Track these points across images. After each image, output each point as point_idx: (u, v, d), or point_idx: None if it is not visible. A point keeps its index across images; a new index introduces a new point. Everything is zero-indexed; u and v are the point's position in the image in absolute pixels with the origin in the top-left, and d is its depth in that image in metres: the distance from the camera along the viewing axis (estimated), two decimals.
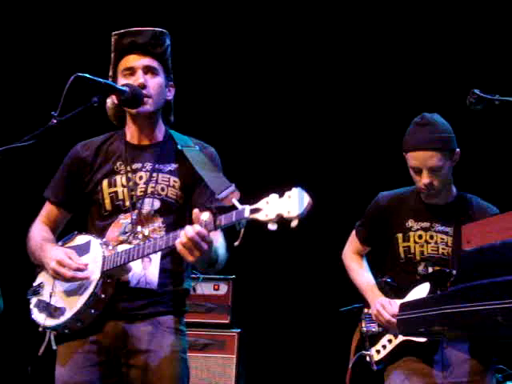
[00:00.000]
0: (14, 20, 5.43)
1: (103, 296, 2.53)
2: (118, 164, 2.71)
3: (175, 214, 2.64)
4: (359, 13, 5.34)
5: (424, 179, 3.01)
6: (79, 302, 2.53)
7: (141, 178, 2.67)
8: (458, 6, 5.11)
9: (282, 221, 2.21)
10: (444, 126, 3.07)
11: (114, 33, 2.73)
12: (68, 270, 2.52)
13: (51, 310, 2.58)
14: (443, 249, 3.07)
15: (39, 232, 2.74)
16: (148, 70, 2.69)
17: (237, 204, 2.30)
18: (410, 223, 3.13)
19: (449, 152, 3.03)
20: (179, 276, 2.67)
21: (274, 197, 2.22)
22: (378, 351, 3.10)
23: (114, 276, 2.55)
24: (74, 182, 2.75)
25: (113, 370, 2.57)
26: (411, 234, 3.11)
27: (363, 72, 5.38)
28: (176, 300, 2.65)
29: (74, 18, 5.39)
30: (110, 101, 2.76)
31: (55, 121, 2.42)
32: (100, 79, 2.55)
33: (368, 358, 3.11)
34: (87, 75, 2.49)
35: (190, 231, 2.31)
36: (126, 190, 2.65)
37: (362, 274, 3.29)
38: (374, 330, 3.16)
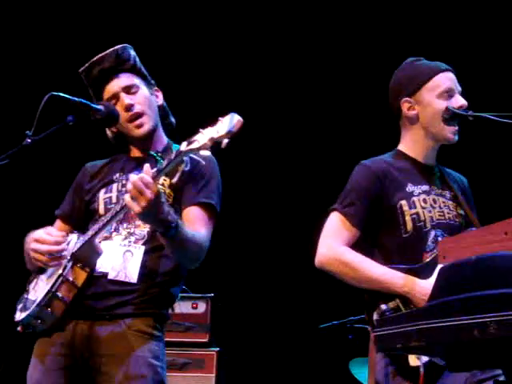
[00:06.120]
0: None
1: (71, 279, 2.48)
2: (117, 175, 2.75)
3: None
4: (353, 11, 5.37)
5: (462, 101, 2.69)
6: (47, 285, 2.50)
7: None
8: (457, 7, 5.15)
9: (215, 143, 2.26)
10: None
11: (80, 70, 2.77)
12: (43, 246, 2.50)
13: (27, 304, 2.55)
14: (448, 213, 2.70)
15: None
16: (128, 88, 2.72)
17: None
18: (411, 187, 2.68)
19: None
20: (163, 276, 2.62)
21: (208, 127, 2.30)
22: None
23: (86, 259, 2.51)
24: (77, 193, 2.79)
25: (82, 375, 2.52)
26: (415, 199, 2.66)
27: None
28: (152, 301, 2.59)
29: (52, 36, 5.38)
30: (109, 131, 2.82)
31: (29, 140, 2.42)
32: (75, 98, 2.56)
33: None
34: (62, 94, 2.50)
35: (133, 177, 2.32)
36: (119, 194, 2.67)
37: (374, 265, 2.58)
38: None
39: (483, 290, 1.95)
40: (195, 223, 2.60)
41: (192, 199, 2.65)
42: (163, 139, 2.80)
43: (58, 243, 2.51)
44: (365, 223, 2.65)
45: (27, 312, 2.51)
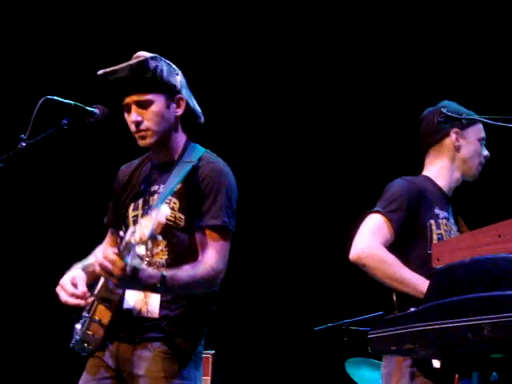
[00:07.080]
0: None
1: (97, 318, 2.55)
2: (142, 186, 2.74)
3: (177, 237, 2.62)
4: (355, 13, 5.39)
5: (488, 153, 2.98)
6: (79, 323, 2.59)
7: (153, 200, 2.66)
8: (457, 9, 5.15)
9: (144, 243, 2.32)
10: None
11: (98, 73, 2.66)
12: (64, 294, 2.55)
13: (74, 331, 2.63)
14: None
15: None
16: (140, 103, 2.64)
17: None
18: (437, 210, 2.87)
19: None
20: (185, 300, 2.62)
21: (144, 219, 2.31)
22: None
23: (108, 298, 2.56)
24: (116, 203, 2.79)
25: None
26: (440, 221, 2.85)
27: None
28: (176, 324, 2.61)
29: (47, 39, 5.38)
30: None
31: (24, 144, 2.42)
32: (69, 101, 2.55)
33: None
34: (56, 97, 2.49)
35: (99, 256, 2.37)
36: (143, 212, 2.65)
37: (407, 268, 2.73)
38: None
39: (477, 292, 1.96)
40: (205, 250, 2.60)
41: (199, 223, 2.61)
42: (178, 146, 2.73)
43: (73, 295, 2.55)
44: (401, 230, 2.79)
45: (72, 341, 2.61)
